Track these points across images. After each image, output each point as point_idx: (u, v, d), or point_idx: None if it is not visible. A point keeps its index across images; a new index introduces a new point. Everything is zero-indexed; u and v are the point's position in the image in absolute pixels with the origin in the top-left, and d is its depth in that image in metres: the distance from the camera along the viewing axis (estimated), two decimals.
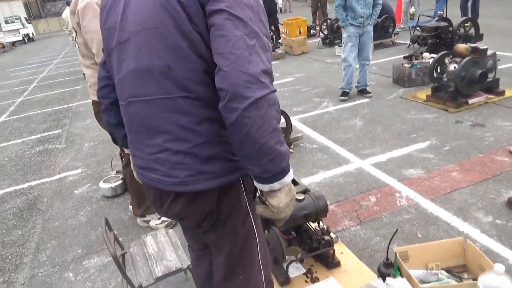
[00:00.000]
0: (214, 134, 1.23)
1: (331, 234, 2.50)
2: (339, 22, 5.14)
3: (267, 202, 1.22)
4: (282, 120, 4.02)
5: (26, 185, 4.29)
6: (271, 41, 8.88)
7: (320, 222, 2.44)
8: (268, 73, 1.10)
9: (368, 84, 5.47)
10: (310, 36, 10.63)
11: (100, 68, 1.51)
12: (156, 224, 2.98)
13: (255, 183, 1.22)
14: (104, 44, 1.39)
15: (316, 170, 3.62)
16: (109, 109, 1.51)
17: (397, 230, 2.08)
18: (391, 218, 2.77)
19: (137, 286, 1.93)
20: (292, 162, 3.78)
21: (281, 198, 1.20)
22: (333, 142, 4.15)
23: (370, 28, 5.01)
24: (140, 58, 1.21)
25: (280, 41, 9.87)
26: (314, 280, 2.29)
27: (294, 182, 2.37)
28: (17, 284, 2.71)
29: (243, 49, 1.06)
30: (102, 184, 3.66)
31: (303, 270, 2.37)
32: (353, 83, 5.41)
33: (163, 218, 2.99)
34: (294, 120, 4.93)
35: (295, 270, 2.37)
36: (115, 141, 2.47)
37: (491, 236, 2.46)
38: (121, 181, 3.63)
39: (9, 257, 3.04)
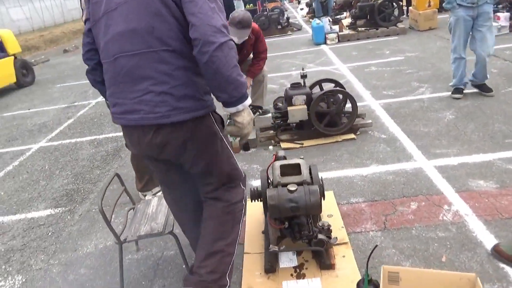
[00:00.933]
0: (187, 79, 1.60)
1: (333, 234, 2.30)
2: (443, 3, 4.27)
3: (234, 121, 1.67)
4: (349, 105, 3.72)
5: (120, 133, 4.99)
6: (393, 16, 8.07)
7: (319, 218, 2.28)
8: (226, 27, 1.53)
9: (488, 77, 4.27)
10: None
11: (84, 36, 1.80)
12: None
13: (224, 109, 1.64)
14: (91, 15, 1.70)
15: (369, 162, 3.29)
16: (95, 69, 1.83)
17: (376, 246, 1.80)
18: (421, 232, 2.39)
19: (122, 239, 2.15)
20: (349, 150, 3.53)
21: (244, 116, 1.66)
22: (406, 134, 3.68)
23: (488, 8, 3.93)
24: (129, 22, 1.57)
25: (408, 14, 8.87)
26: (300, 276, 2.18)
27: (298, 170, 2.23)
28: (76, 214, 3.26)
29: (207, 9, 1.48)
30: None
31: (295, 263, 2.26)
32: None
33: (158, 194, 3.10)
34: (376, 105, 4.51)
35: (288, 261, 2.28)
36: None
37: None
38: None
39: (82, 191, 3.65)
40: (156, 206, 2.36)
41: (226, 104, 1.62)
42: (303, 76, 3.80)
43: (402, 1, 9.72)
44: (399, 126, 3.87)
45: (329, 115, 3.70)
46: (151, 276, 2.41)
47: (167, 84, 1.57)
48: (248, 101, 1.64)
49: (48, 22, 22.72)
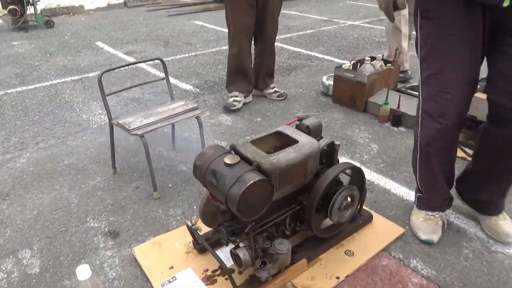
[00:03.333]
0: None
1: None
2: None
3: None
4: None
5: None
6: None
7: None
8: None
9: None
10: None
11: None
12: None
13: None
14: None
15: None
16: None
17: None
18: None
19: (114, 120, 2.04)
20: None
21: None
22: None
23: None
24: None
25: None
26: (208, 279, 1.53)
27: (279, 149, 1.38)
28: (197, 102, 3.34)
29: None
30: (324, 79, 3.42)
31: (229, 263, 1.58)
32: None
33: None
34: None
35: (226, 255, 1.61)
36: None
37: None
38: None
39: (218, 84, 3.66)
40: (166, 111, 2.07)
41: None
42: None
43: None
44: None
45: None
46: (139, 173, 2.26)
47: None
48: None
49: None
